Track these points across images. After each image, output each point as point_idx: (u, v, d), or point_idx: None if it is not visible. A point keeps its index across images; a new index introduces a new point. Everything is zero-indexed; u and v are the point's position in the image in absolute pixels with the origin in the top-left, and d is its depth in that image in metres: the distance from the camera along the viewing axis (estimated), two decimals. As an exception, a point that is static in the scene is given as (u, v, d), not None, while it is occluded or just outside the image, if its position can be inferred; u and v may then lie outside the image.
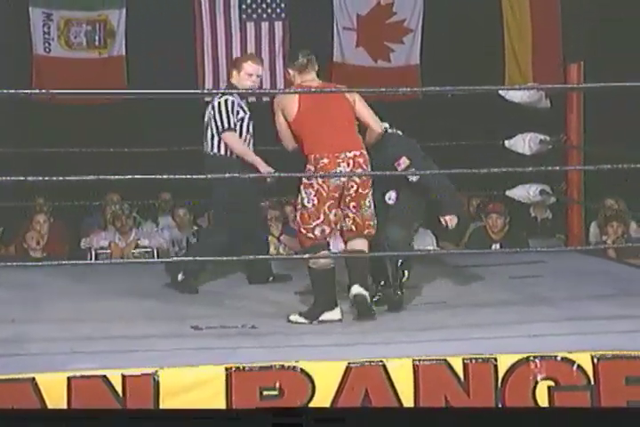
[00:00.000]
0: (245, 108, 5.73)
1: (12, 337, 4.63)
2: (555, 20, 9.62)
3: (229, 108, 5.64)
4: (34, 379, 3.99)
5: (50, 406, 3.97)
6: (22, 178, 4.45)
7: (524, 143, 6.72)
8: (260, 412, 3.61)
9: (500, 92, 6.39)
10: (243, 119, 5.69)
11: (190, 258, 5.75)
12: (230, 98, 5.66)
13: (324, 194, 4.90)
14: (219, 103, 5.65)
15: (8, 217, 8.34)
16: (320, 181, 4.88)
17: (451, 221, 5.22)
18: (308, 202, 4.93)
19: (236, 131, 5.67)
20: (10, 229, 8.23)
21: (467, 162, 5.13)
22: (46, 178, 4.54)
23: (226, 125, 5.64)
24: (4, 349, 4.39)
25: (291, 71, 5.11)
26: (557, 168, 5.88)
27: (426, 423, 3.53)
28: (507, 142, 6.81)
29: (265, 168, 5.54)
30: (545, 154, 6.76)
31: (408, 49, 9.61)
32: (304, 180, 4.97)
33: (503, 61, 9.58)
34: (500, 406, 4.18)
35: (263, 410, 3.65)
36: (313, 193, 4.92)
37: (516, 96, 6.38)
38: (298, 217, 5.01)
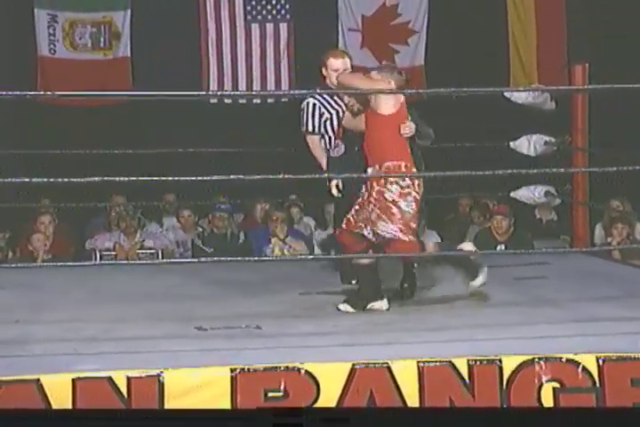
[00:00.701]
0: (331, 108, 5.61)
1: (16, 338, 4.63)
2: (559, 21, 9.62)
3: (310, 111, 5.57)
4: (38, 380, 3.98)
5: (54, 407, 3.96)
6: (27, 179, 4.46)
7: (529, 144, 6.71)
8: (261, 412, 3.61)
9: (505, 93, 6.37)
10: (327, 120, 5.60)
11: (192, 260, 5.74)
12: (312, 100, 5.58)
13: (418, 199, 5.12)
14: (302, 106, 5.61)
15: (13, 220, 8.35)
16: (417, 188, 5.09)
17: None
18: (408, 207, 5.08)
19: (318, 133, 5.60)
20: (17, 233, 8.23)
21: (471, 163, 5.13)
22: (51, 179, 4.54)
23: (309, 128, 5.58)
24: (8, 350, 4.39)
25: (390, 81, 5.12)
26: (562, 170, 5.87)
27: (429, 423, 3.52)
28: (512, 144, 6.80)
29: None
30: (550, 155, 6.75)
31: (413, 50, 9.63)
32: (399, 189, 5.04)
33: (508, 63, 9.59)
34: (504, 407, 4.18)
35: (264, 410, 3.65)
36: (412, 200, 5.08)
37: (520, 97, 6.37)
38: (397, 223, 5.06)
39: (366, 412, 3.93)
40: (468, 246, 5.30)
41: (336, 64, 5.57)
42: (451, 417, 3.67)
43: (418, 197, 5.10)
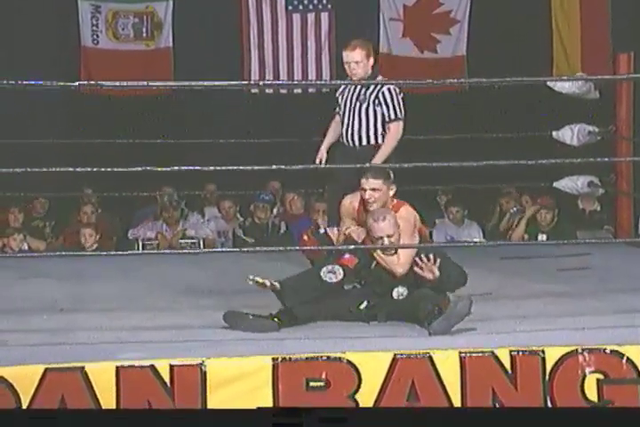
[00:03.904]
0: None
1: (60, 327, 4.67)
2: (604, 9, 9.51)
3: (397, 97, 5.40)
4: (83, 368, 4.02)
5: (99, 395, 4.01)
6: (71, 169, 4.49)
7: (572, 134, 6.66)
8: (261, 412, 3.61)
9: (549, 83, 6.32)
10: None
11: (233, 249, 5.75)
12: (392, 87, 5.42)
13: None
14: (388, 90, 5.39)
15: (58, 208, 8.43)
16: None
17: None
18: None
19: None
20: (61, 221, 8.31)
21: (514, 153, 5.09)
22: (94, 169, 4.57)
23: (400, 115, 5.41)
24: (53, 338, 4.44)
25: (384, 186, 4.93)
26: (606, 159, 5.81)
27: (428, 423, 3.51)
28: (555, 134, 6.75)
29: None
30: (593, 145, 6.69)
31: (455, 40, 9.56)
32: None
33: (551, 52, 9.50)
34: (547, 399, 4.15)
35: (263, 410, 3.65)
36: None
37: (564, 87, 6.32)
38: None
39: (364, 412, 3.91)
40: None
41: (344, 57, 5.41)
42: (450, 417, 3.66)
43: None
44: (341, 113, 5.54)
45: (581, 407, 4.06)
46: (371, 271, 4.86)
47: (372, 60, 5.41)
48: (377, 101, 5.42)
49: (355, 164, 5.18)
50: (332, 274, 4.75)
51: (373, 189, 4.93)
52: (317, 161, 5.58)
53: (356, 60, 5.38)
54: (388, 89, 5.40)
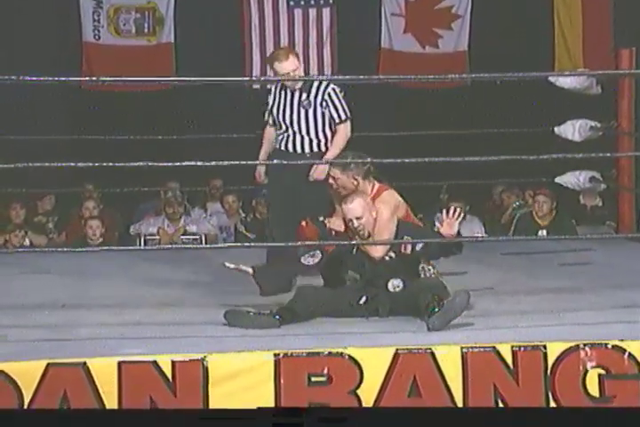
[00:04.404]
0: None
1: (62, 322, 4.66)
2: (606, 4, 9.50)
3: (341, 98, 5.39)
4: (85, 363, 4.02)
5: (101, 390, 4.01)
6: (73, 164, 4.48)
7: (573, 130, 6.64)
8: (261, 412, 3.61)
9: (550, 78, 6.31)
10: None
11: (237, 244, 5.75)
12: (335, 87, 5.39)
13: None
14: (334, 91, 5.35)
15: (61, 204, 8.43)
16: None
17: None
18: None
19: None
20: (63, 217, 8.31)
21: (516, 148, 5.09)
22: (96, 164, 4.57)
23: (348, 115, 5.38)
24: (55, 333, 4.44)
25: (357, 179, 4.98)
26: (608, 154, 5.81)
27: (427, 423, 3.51)
28: (556, 129, 6.74)
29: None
30: (595, 140, 6.68)
31: (456, 35, 9.55)
32: None
33: (553, 47, 9.48)
34: (549, 394, 4.14)
35: (263, 410, 3.65)
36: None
37: (565, 82, 6.30)
38: None
39: (363, 412, 3.91)
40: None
41: (283, 68, 5.30)
42: (448, 417, 3.65)
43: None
44: (282, 122, 5.43)
45: (582, 408, 4.05)
46: (353, 257, 4.91)
47: (301, 65, 5.40)
48: (324, 104, 5.38)
49: (303, 170, 5.25)
50: (310, 258, 4.87)
51: (333, 178, 5.04)
52: (257, 175, 5.56)
53: (293, 68, 5.32)
54: (333, 89, 5.38)
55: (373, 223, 4.89)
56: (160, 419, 3.65)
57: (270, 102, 5.49)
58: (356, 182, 4.99)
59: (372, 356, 4.13)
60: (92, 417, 3.68)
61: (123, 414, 3.91)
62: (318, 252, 4.85)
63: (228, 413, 3.85)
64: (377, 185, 5.06)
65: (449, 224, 4.84)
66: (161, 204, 8.38)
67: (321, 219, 5.04)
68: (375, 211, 4.90)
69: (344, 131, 5.42)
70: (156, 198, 8.55)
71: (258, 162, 5.52)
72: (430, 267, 5.02)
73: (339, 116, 5.40)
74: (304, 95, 5.37)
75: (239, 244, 5.84)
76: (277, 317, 4.66)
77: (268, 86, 5.46)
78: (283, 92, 5.43)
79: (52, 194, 8.34)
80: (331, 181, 5.06)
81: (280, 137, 5.48)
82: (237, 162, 4.72)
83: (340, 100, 5.39)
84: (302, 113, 5.40)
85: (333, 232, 4.99)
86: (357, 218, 4.87)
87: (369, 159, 5.01)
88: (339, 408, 3.97)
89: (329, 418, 3.44)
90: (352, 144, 5.44)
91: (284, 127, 5.44)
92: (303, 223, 4.96)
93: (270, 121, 5.54)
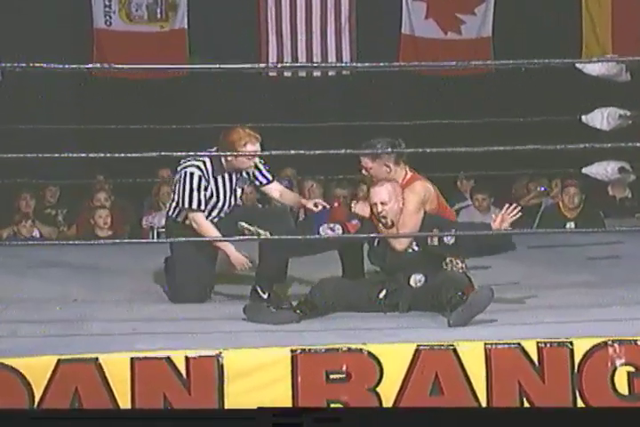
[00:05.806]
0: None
1: (74, 317, 4.62)
2: (636, -12, 9.34)
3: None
4: (97, 359, 3.96)
5: (113, 387, 3.95)
6: (83, 154, 4.40)
7: (602, 118, 6.52)
8: (261, 412, 3.56)
9: (578, 65, 6.18)
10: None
11: (253, 237, 5.61)
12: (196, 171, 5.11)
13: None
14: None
15: (71, 196, 8.36)
16: None
17: None
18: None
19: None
20: (73, 209, 8.24)
21: (542, 138, 4.99)
22: (107, 155, 4.49)
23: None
24: (66, 329, 4.38)
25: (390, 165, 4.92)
26: (638, 144, 5.69)
27: (423, 424, 3.46)
28: (584, 117, 6.62)
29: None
30: (624, 129, 6.57)
31: (480, 20, 9.41)
32: None
33: (580, 32, 9.36)
34: (576, 392, 4.04)
35: (263, 410, 3.60)
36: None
37: (594, 69, 6.17)
38: None
39: (359, 412, 3.83)
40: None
41: (251, 149, 5.07)
42: (447, 417, 3.57)
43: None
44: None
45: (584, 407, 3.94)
46: (374, 247, 4.85)
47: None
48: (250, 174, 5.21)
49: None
50: (329, 230, 4.85)
51: (365, 169, 4.99)
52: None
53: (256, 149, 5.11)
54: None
55: (398, 212, 4.81)
56: (160, 419, 3.60)
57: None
58: (388, 170, 4.92)
59: (393, 352, 4.05)
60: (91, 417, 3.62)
61: (122, 413, 3.85)
62: (339, 226, 4.83)
63: (228, 413, 3.82)
64: (409, 174, 4.99)
65: (503, 220, 4.72)
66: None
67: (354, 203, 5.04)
68: (402, 200, 4.82)
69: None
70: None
71: (274, 152, 5.39)
72: (458, 261, 4.91)
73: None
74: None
75: (253, 237, 5.69)
76: (298, 311, 4.59)
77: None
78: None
79: (55, 186, 8.25)
80: (364, 172, 5.01)
81: None
82: (253, 152, 4.62)
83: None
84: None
85: (357, 217, 4.96)
86: (382, 203, 4.80)
87: (402, 144, 4.96)
88: (338, 409, 3.92)
89: (325, 418, 3.39)
90: (373, 133, 5.36)
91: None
92: (335, 204, 4.98)
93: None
